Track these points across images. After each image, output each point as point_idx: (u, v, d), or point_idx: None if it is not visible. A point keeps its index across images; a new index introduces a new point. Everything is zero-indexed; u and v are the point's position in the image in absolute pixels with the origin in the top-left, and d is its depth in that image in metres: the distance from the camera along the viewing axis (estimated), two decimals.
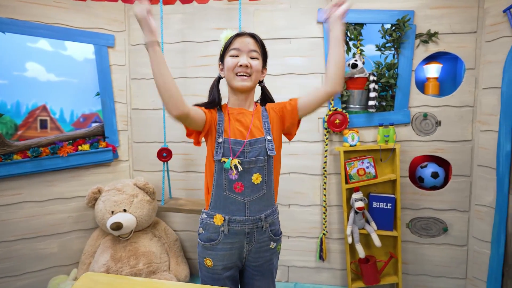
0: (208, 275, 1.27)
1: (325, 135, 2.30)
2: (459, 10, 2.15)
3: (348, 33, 2.24)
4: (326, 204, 2.34)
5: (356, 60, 2.24)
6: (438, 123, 2.23)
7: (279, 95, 2.21)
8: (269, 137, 1.24)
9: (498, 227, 2.12)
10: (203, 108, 1.26)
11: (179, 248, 2.47)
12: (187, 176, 2.50)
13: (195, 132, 1.25)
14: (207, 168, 1.31)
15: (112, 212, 2.20)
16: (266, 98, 1.39)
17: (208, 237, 1.26)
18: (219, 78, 1.33)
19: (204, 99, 2.42)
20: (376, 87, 2.20)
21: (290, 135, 1.36)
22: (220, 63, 1.32)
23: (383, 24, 2.21)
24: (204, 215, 1.30)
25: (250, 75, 1.23)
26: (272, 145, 1.23)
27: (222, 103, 1.33)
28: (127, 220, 2.18)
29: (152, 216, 2.36)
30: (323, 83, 1.29)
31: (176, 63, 2.41)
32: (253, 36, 1.25)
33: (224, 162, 1.21)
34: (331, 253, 2.40)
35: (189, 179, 2.50)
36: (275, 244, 1.31)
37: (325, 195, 2.34)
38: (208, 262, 1.26)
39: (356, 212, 2.22)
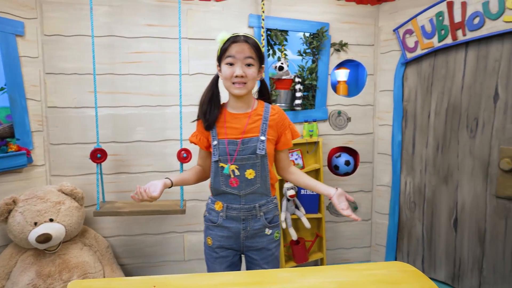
0: (208, 252, 1.43)
1: None
2: (362, 26, 2.60)
3: (275, 38, 2.48)
4: None
5: (282, 63, 2.49)
6: (349, 119, 2.66)
7: None
8: (262, 138, 1.32)
9: (393, 201, 2.66)
10: (195, 140, 1.42)
11: (112, 255, 2.32)
12: (118, 178, 2.36)
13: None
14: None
15: (35, 223, 1.95)
16: (263, 91, 1.47)
17: (211, 219, 1.41)
18: (218, 77, 1.40)
19: (135, 96, 2.34)
20: (301, 88, 2.49)
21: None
22: (218, 64, 1.36)
23: (304, 32, 2.52)
24: (209, 201, 1.45)
25: (245, 83, 1.30)
26: (263, 145, 1.32)
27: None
28: (56, 230, 1.96)
29: (81, 223, 2.17)
30: (285, 171, 1.52)
31: (104, 58, 2.25)
32: (247, 41, 1.28)
33: (223, 167, 1.31)
34: None
35: (120, 181, 2.36)
36: (271, 230, 1.41)
37: None
38: (209, 241, 1.41)
39: (288, 200, 2.47)
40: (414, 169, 2.54)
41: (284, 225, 2.44)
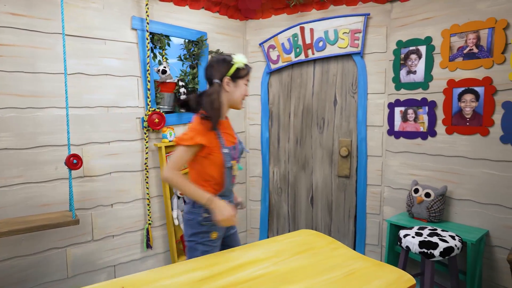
0: (211, 247, 1.55)
1: (145, 133, 2.50)
2: (233, 38, 2.96)
3: (158, 43, 2.54)
4: (149, 196, 2.56)
5: (164, 67, 2.58)
6: None
7: (95, 95, 2.25)
8: (240, 139, 1.72)
9: (264, 189, 3.15)
10: (204, 141, 1.53)
11: None
12: None
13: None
14: (207, 171, 1.57)
15: None
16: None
17: (211, 217, 1.55)
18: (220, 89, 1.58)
19: None
20: (185, 91, 2.64)
21: None
22: (230, 78, 1.56)
23: (185, 39, 2.67)
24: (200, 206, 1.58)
25: None
26: (244, 145, 1.71)
27: None
28: None
29: None
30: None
31: None
32: None
33: (234, 165, 1.61)
34: (154, 240, 2.64)
35: None
36: None
37: (148, 188, 2.54)
38: (214, 235, 1.57)
39: (178, 198, 2.59)
40: (279, 160, 3.08)
41: (176, 222, 2.55)
